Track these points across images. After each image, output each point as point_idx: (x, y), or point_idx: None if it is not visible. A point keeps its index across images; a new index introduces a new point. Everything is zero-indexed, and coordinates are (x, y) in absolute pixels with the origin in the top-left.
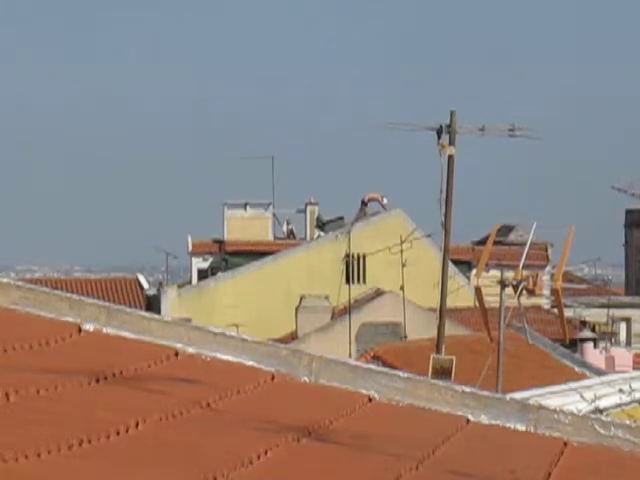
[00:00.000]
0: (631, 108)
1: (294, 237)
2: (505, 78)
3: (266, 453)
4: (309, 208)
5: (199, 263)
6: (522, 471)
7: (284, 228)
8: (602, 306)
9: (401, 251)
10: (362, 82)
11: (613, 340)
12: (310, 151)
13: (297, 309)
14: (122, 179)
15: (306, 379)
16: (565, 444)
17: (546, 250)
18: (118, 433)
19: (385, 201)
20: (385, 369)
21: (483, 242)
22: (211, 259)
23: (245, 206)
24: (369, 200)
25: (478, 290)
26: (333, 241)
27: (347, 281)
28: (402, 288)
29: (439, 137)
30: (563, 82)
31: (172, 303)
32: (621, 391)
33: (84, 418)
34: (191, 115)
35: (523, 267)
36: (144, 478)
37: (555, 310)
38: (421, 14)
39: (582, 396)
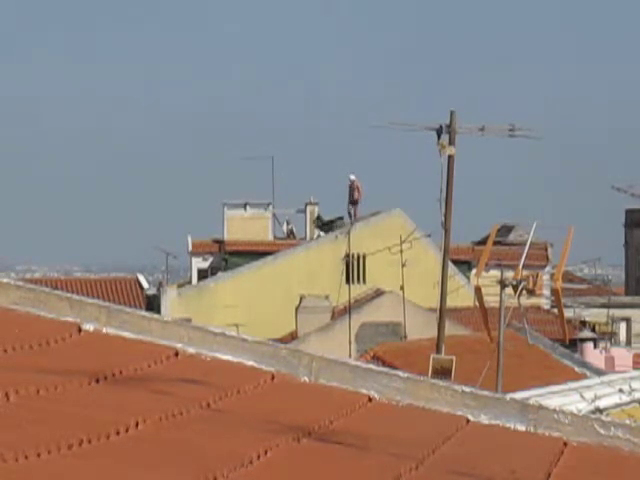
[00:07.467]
0: (631, 108)
1: (294, 237)
2: (505, 78)
3: (266, 453)
4: (309, 208)
5: (199, 263)
6: (522, 471)
7: (284, 228)
8: (602, 306)
9: (401, 251)
10: (362, 82)
11: (613, 340)
12: (310, 151)
13: (297, 309)
14: (122, 179)
15: (306, 379)
16: (565, 444)
17: (546, 250)
18: (118, 433)
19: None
20: (385, 369)
21: (483, 242)
22: (211, 259)
23: (245, 206)
24: (356, 198)
25: (478, 290)
26: (333, 241)
27: (347, 281)
28: (402, 288)
29: (439, 137)
30: (563, 82)
31: (172, 303)
32: (621, 391)
33: (84, 418)
34: (191, 115)
35: (523, 267)
36: (144, 478)
37: (555, 310)
38: (422, 14)
39: (582, 396)
